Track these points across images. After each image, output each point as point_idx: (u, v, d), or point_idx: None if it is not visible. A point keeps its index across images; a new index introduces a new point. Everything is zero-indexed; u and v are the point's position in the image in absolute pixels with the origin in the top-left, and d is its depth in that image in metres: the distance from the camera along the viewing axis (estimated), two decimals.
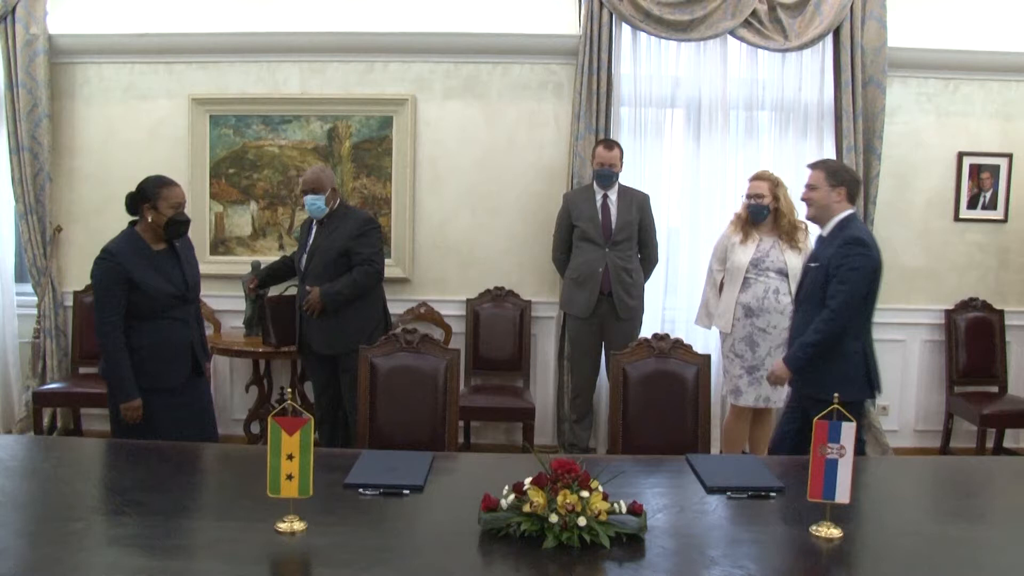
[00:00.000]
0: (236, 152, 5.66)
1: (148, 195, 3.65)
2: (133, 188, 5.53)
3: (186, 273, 3.74)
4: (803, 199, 3.93)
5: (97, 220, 5.69)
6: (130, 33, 5.54)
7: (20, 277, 5.85)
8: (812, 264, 3.85)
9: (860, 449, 3.92)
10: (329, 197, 4.67)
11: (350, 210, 4.82)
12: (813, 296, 3.79)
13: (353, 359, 4.39)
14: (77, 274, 5.71)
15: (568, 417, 5.44)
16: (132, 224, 3.72)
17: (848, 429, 2.34)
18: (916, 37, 5.51)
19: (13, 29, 5.43)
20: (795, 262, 4.66)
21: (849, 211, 3.82)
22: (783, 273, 4.68)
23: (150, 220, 3.65)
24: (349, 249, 4.60)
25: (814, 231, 4.94)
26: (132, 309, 3.58)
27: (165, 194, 3.65)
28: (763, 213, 4.71)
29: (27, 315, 5.78)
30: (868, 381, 3.84)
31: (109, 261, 3.56)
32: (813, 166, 3.93)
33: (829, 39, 5.44)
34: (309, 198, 4.66)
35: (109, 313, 3.55)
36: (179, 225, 3.70)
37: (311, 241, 4.72)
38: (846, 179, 3.81)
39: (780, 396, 4.72)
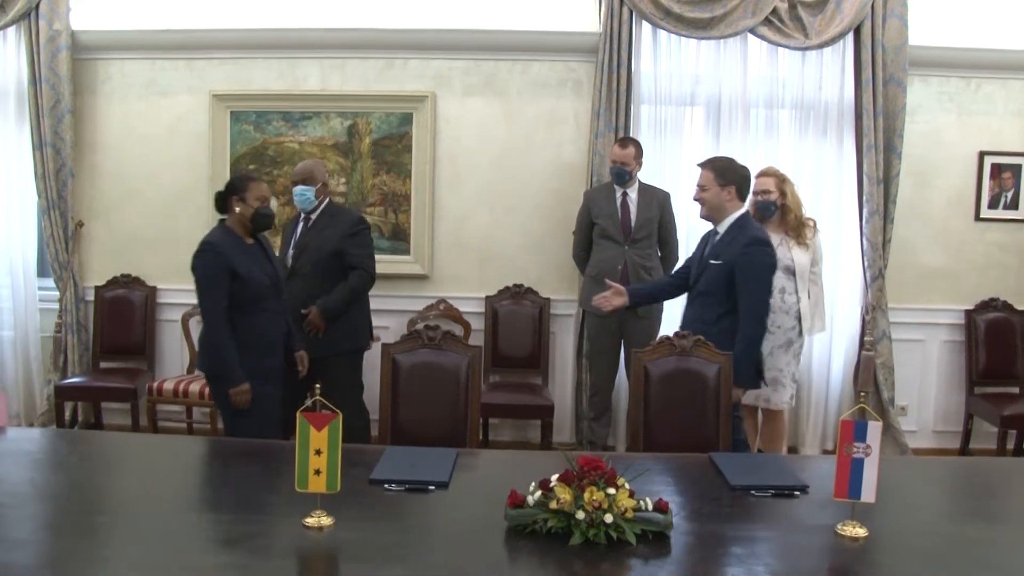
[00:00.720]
0: (256, 148, 5.68)
1: (238, 187, 3.88)
2: (153, 184, 5.64)
3: (275, 265, 4.00)
4: (695, 199, 4.04)
5: (118, 215, 5.75)
6: (152, 29, 5.58)
7: (42, 272, 5.89)
8: (713, 262, 3.91)
9: (743, 445, 3.99)
10: (319, 191, 4.63)
11: (340, 209, 4.80)
12: (710, 292, 3.92)
13: (339, 364, 4.52)
14: (98, 269, 5.77)
15: (586, 415, 5.44)
16: (222, 221, 3.93)
17: (875, 428, 2.34)
18: (937, 35, 5.48)
19: (37, 25, 5.47)
20: (803, 259, 4.64)
21: (742, 210, 3.96)
22: (790, 271, 4.63)
23: (238, 211, 3.85)
24: (342, 250, 4.56)
25: (835, 224, 4.95)
26: (231, 300, 3.77)
27: (252, 187, 3.87)
28: (771, 209, 4.68)
29: (49, 310, 5.82)
30: (758, 372, 4.01)
31: (212, 252, 3.77)
32: (702, 165, 4.02)
33: (850, 37, 5.41)
34: (299, 188, 4.61)
35: (215, 303, 3.75)
36: (265, 217, 3.93)
37: (298, 237, 4.65)
38: (734, 178, 3.92)
39: (781, 398, 4.71)
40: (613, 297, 4.22)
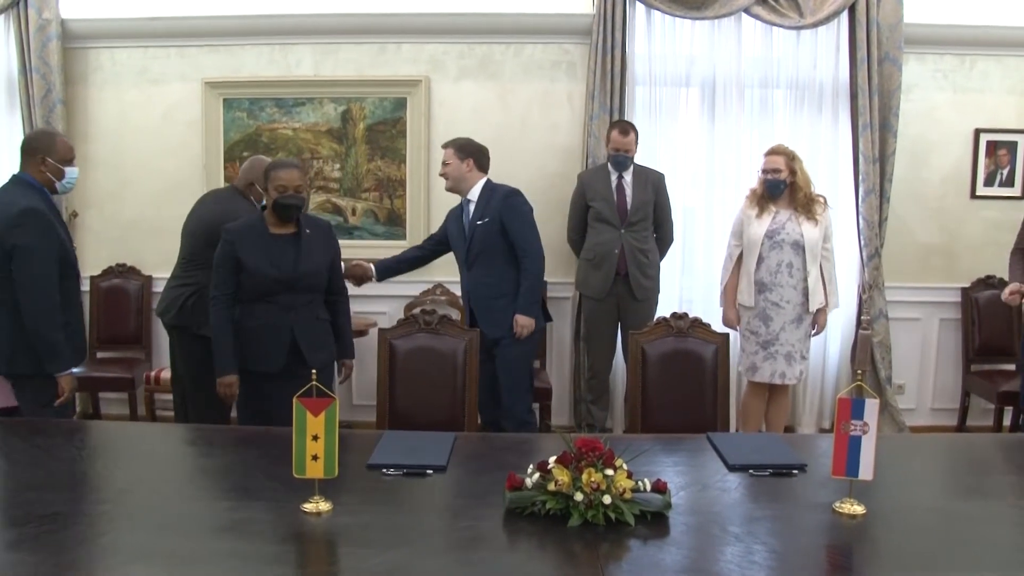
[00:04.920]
0: (250, 135, 5.66)
1: (261, 177, 3.86)
2: (147, 173, 5.62)
3: (300, 261, 3.64)
4: (440, 175, 4.57)
5: (112, 205, 5.73)
6: (143, 17, 5.53)
7: None
8: (480, 222, 4.40)
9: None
10: None
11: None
12: (487, 250, 4.41)
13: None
14: (93, 259, 5.73)
15: (585, 398, 5.45)
16: (263, 208, 3.85)
17: (872, 406, 2.34)
18: (932, 13, 5.45)
19: (26, 14, 5.42)
20: (813, 234, 4.64)
21: (485, 177, 4.51)
22: (799, 246, 4.64)
23: (264, 202, 3.86)
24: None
25: (832, 203, 4.95)
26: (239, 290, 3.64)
27: (272, 176, 3.61)
28: (780, 187, 4.68)
29: None
30: (544, 310, 4.62)
31: (225, 237, 3.63)
32: (445, 146, 4.52)
33: (844, 16, 5.38)
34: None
35: (216, 283, 3.65)
36: (284, 208, 3.61)
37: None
38: (471, 151, 4.47)
39: (795, 372, 4.73)
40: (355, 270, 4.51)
